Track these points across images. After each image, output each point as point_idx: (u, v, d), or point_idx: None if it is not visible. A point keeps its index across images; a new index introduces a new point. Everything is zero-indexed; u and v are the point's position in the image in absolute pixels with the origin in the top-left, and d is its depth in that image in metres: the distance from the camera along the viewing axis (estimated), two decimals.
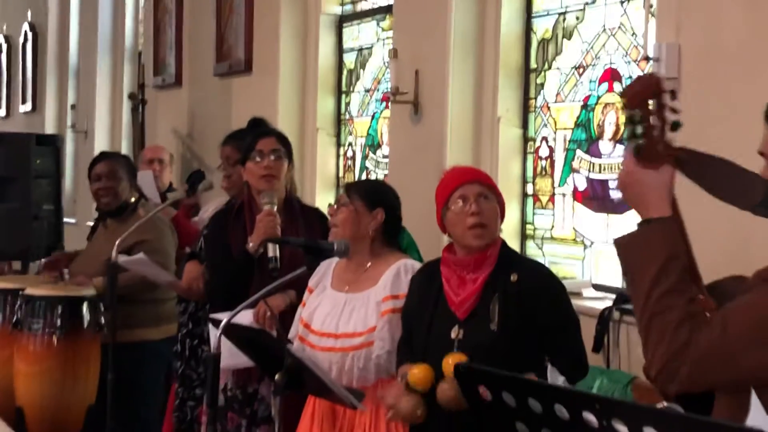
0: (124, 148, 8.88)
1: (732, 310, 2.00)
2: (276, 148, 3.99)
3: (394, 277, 3.41)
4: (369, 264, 3.51)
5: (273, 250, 3.75)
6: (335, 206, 3.58)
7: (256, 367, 3.61)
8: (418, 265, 3.45)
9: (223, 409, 3.87)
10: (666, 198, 2.08)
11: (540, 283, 3.12)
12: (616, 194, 4.31)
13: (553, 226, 4.76)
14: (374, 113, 6.06)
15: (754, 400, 1.81)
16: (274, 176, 3.96)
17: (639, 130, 2.05)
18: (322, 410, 3.43)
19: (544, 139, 4.81)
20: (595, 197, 4.51)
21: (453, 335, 3.11)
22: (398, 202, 3.62)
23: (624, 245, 2.08)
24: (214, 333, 3.56)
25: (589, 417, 1.68)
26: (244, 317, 3.60)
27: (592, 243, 4.53)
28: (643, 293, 2.01)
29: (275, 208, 3.88)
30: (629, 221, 3.80)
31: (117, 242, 4.41)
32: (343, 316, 3.44)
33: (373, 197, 3.54)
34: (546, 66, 4.82)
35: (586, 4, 4.60)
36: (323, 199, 6.05)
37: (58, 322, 4.68)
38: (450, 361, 2.99)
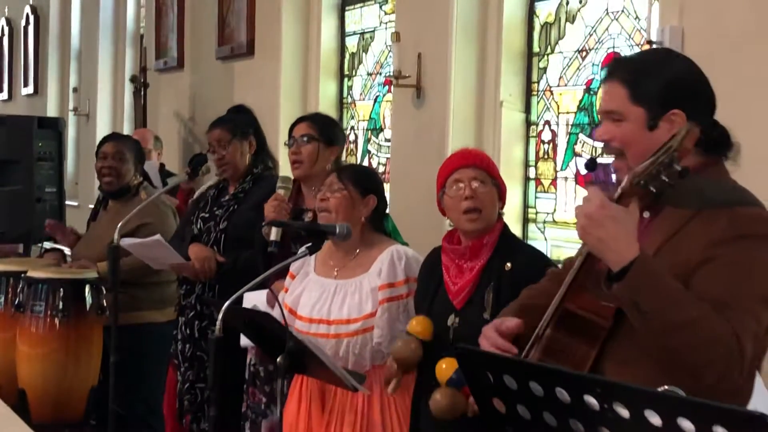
0: (126, 131, 8.86)
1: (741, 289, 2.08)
2: (305, 133, 4.01)
3: (389, 264, 3.40)
4: (358, 250, 3.50)
5: (275, 234, 3.77)
6: (325, 191, 3.54)
7: None
8: (409, 250, 3.47)
9: (247, 384, 3.92)
10: (635, 238, 2.09)
11: (534, 271, 3.06)
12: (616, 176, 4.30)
13: (555, 210, 4.76)
14: (376, 97, 6.05)
15: (758, 384, 1.81)
16: (300, 161, 3.98)
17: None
18: (311, 390, 3.44)
19: (547, 123, 4.80)
20: (597, 181, 4.50)
21: (449, 323, 3.13)
22: (383, 188, 3.64)
23: (630, 289, 2.05)
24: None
25: (590, 400, 1.68)
26: (258, 301, 3.61)
27: None
28: (682, 317, 2.05)
29: (288, 193, 3.91)
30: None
31: (119, 225, 4.42)
32: (335, 302, 3.43)
33: (366, 184, 3.54)
34: (549, 50, 4.80)
35: None
36: None
37: (60, 304, 4.69)
38: (444, 366, 2.99)
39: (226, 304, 2.91)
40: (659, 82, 2.28)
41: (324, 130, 4.06)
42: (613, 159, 2.31)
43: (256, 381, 3.94)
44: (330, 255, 3.54)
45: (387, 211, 3.71)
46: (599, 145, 4.42)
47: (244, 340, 3.67)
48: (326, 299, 3.45)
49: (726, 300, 2.06)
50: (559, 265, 2.78)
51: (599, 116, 2.36)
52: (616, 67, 2.36)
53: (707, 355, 2.03)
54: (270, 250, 3.78)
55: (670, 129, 2.22)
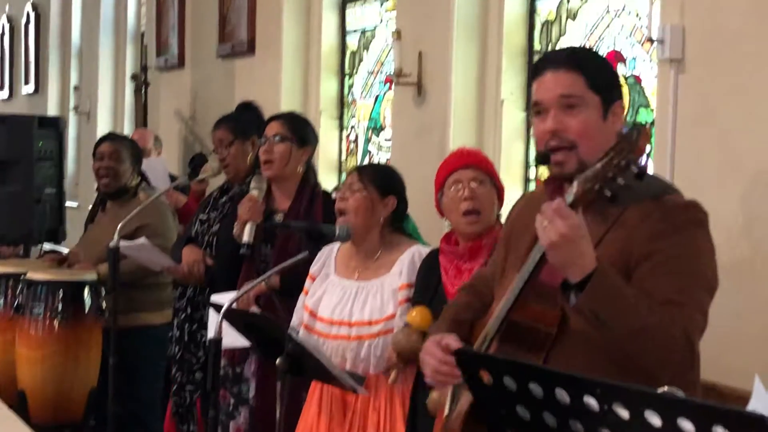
0: (127, 130, 8.89)
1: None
2: (277, 132, 3.99)
3: (409, 264, 3.38)
4: (379, 252, 3.48)
5: (248, 235, 3.77)
6: (344, 191, 3.52)
7: (240, 348, 3.64)
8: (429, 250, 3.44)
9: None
10: (593, 248, 2.08)
11: None
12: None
13: None
14: (377, 95, 6.04)
15: (757, 385, 1.80)
16: (271, 160, 3.96)
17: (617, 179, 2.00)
18: (332, 398, 3.41)
19: None
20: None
21: None
22: (405, 188, 3.61)
23: (590, 299, 2.05)
24: (213, 316, 3.58)
25: (590, 401, 1.67)
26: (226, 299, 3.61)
27: None
28: (636, 323, 2.06)
29: (262, 194, 3.91)
30: None
31: (119, 226, 4.41)
32: (357, 304, 3.41)
33: (386, 184, 3.51)
34: (550, 48, 4.79)
35: None
36: (325, 182, 6.04)
37: (60, 306, 4.69)
38: (414, 314, 3.03)
39: (226, 306, 2.91)
40: (606, 73, 2.32)
41: (297, 130, 4.04)
42: (556, 153, 2.24)
43: (225, 383, 3.92)
44: (351, 256, 3.52)
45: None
46: None
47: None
48: (347, 301, 3.43)
49: (672, 298, 2.09)
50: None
51: (544, 106, 2.28)
52: (563, 56, 2.33)
53: (662, 358, 2.08)
54: (242, 252, 3.78)
55: (614, 122, 2.25)
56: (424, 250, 3.43)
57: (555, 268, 2.09)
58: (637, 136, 2.00)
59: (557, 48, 2.45)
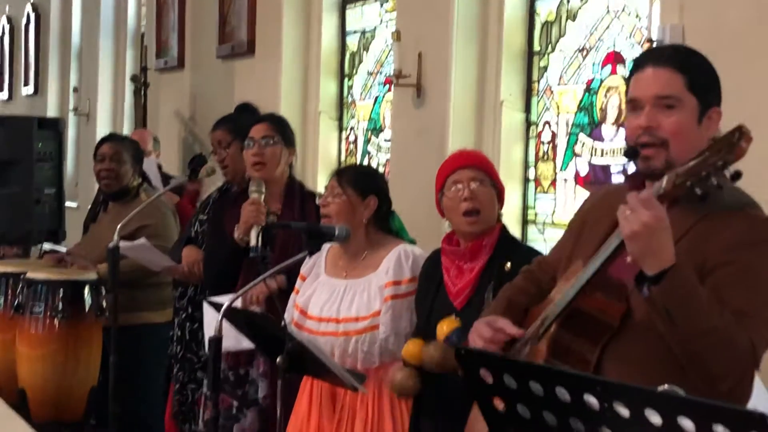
0: (126, 131, 8.89)
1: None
2: (266, 135, 4.00)
3: (395, 262, 3.41)
4: (366, 252, 3.51)
5: (255, 239, 3.77)
6: (326, 196, 3.55)
7: (245, 351, 3.65)
8: (417, 249, 3.47)
9: None
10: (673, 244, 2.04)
11: None
12: (617, 179, 4.30)
13: (554, 211, 4.75)
14: (377, 96, 6.04)
15: (758, 383, 1.81)
16: (263, 163, 3.97)
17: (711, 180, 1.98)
18: (322, 392, 3.45)
19: (547, 123, 4.79)
20: (596, 182, 4.49)
21: None
22: (387, 186, 3.63)
23: (664, 295, 2.02)
24: (208, 314, 3.58)
25: (591, 399, 1.68)
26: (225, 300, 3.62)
27: None
28: (706, 325, 2.03)
29: (263, 197, 3.91)
30: None
31: (118, 227, 4.41)
32: (345, 301, 3.45)
33: (365, 185, 3.54)
34: (549, 49, 4.80)
35: None
36: (325, 183, 6.04)
37: (60, 305, 4.69)
38: (444, 328, 3.01)
39: (226, 305, 2.91)
40: (708, 76, 2.27)
41: (284, 132, 4.07)
42: (646, 148, 2.21)
43: (225, 386, 3.92)
44: (339, 256, 3.57)
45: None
46: (599, 145, 4.43)
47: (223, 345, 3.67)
48: (336, 299, 3.47)
49: (744, 308, 2.07)
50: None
51: (640, 102, 2.25)
52: (665, 53, 2.30)
53: (725, 364, 2.05)
54: (252, 255, 3.78)
55: (708, 127, 2.21)
56: (410, 249, 3.46)
57: (625, 264, 2.07)
58: (739, 137, 1.96)
59: (661, 46, 2.40)
